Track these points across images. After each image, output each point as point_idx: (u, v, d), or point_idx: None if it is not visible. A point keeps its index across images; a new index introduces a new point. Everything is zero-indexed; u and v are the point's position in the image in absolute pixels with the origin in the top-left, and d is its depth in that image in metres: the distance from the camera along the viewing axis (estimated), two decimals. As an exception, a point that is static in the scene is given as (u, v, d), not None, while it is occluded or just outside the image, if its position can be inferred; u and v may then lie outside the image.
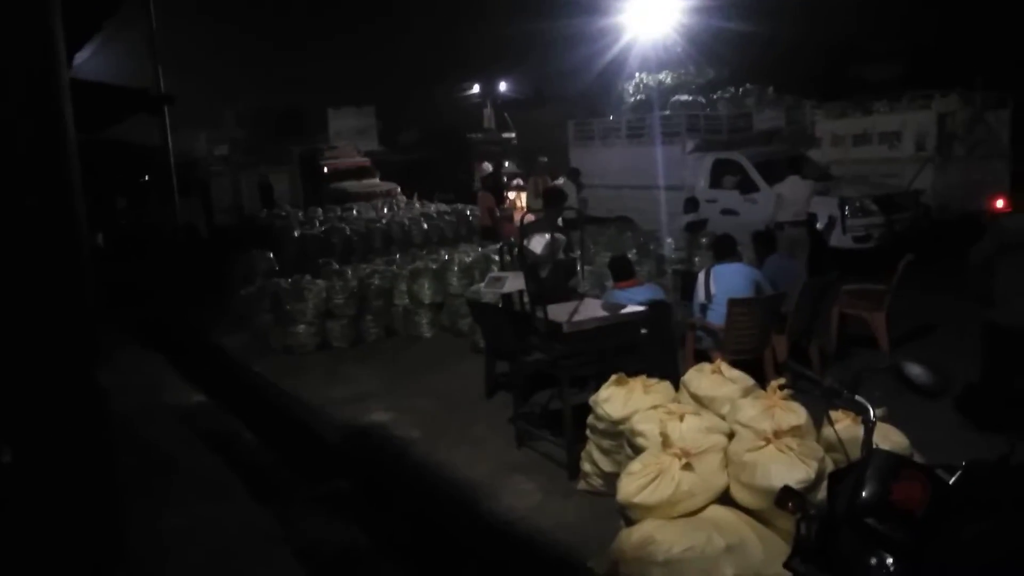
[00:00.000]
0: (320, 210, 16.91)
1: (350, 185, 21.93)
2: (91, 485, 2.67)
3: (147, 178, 18.90)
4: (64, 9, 2.72)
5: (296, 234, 13.54)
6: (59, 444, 2.41)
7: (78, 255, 2.71)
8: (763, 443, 3.57)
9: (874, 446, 2.45)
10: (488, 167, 21.39)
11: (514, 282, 5.54)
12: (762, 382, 4.69)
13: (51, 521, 2.50)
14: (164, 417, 6.57)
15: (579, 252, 6.46)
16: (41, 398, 2.35)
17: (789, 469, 3.41)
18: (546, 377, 5.53)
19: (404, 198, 20.50)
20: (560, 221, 6.64)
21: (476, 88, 32.62)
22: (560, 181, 12.54)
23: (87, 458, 2.62)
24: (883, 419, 3.47)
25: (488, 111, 30.60)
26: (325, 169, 23.03)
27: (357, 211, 16.59)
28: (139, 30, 15.61)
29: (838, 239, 10.38)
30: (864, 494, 2.24)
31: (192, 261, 13.18)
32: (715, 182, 12.19)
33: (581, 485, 4.75)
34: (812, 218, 9.57)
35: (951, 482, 2.27)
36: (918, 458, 3.53)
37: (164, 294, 11.48)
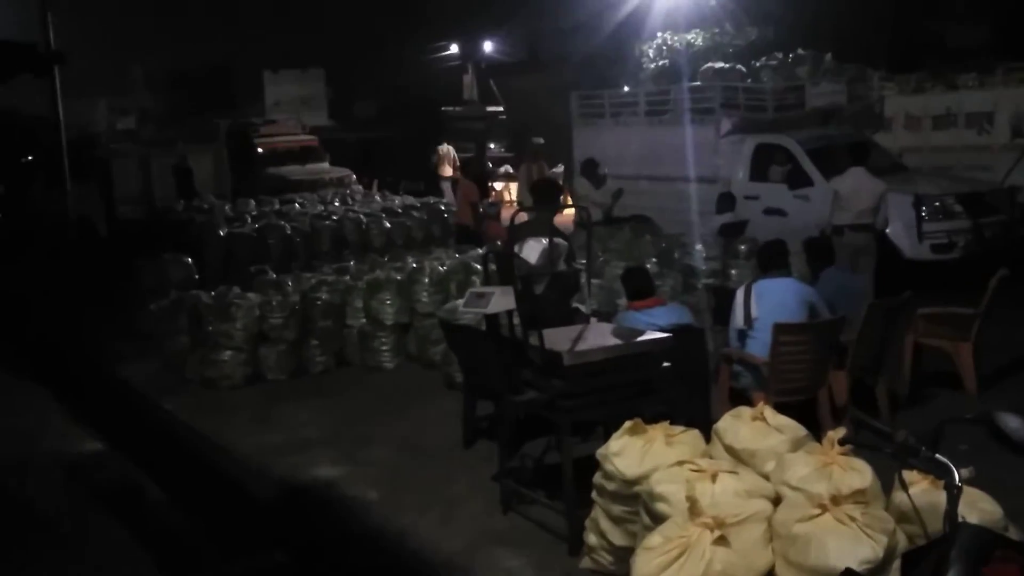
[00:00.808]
0: (253, 202, 16.89)
1: (292, 170, 21.95)
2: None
3: (31, 158, 18.85)
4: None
5: (222, 233, 13.51)
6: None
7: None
8: (818, 511, 3.58)
9: (959, 518, 2.46)
10: (447, 150, 21.56)
11: (501, 300, 5.54)
12: (816, 432, 4.72)
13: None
14: (47, 469, 6.52)
15: (585, 261, 6.47)
16: None
17: (851, 545, 3.42)
18: (541, 422, 5.53)
19: (361, 188, 20.53)
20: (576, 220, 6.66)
21: (454, 49, 32.75)
22: (560, 168, 12.54)
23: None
24: (970, 482, 3.49)
25: (469, 78, 30.74)
26: (260, 149, 23.07)
27: (300, 204, 16.57)
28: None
29: (913, 248, 10.45)
30: (948, 581, 2.26)
31: (87, 265, 13.13)
32: (757, 174, 12.25)
33: (585, 562, 4.74)
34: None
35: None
36: (1014, 533, 3.55)
37: (50, 308, 11.41)
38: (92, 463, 6.78)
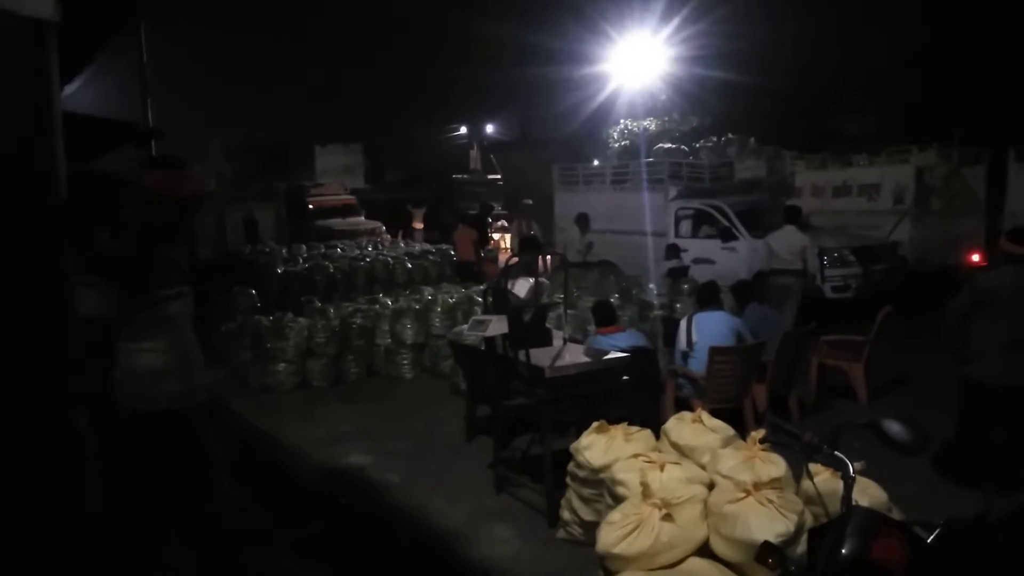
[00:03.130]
0: (304, 247, 16.86)
1: (335, 222, 21.96)
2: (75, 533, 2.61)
3: (128, 212, 18.82)
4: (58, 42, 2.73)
5: (279, 271, 13.47)
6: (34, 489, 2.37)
7: (62, 294, 2.69)
8: (743, 495, 3.56)
9: (853, 502, 2.46)
10: (421, 211, 21.70)
11: (497, 325, 5.54)
12: (742, 431, 4.71)
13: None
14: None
15: (562, 296, 6.49)
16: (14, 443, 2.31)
17: (769, 522, 3.41)
18: (527, 422, 5.51)
19: (389, 237, 20.56)
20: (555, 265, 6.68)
21: (463, 129, 32.96)
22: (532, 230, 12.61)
23: (68, 501, 2.57)
24: (862, 473, 3.49)
25: (475, 152, 30.89)
26: (310, 206, 23.09)
27: (341, 249, 16.55)
28: (129, 62, 15.68)
29: (819, 289, 10.51)
30: (844, 551, 2.25)
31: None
32: (684, 231, 12.49)
33: (560, 533, 4.71)
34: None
35: (929, 540, 2.28)
36: (896, 514, 3.54)
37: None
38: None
